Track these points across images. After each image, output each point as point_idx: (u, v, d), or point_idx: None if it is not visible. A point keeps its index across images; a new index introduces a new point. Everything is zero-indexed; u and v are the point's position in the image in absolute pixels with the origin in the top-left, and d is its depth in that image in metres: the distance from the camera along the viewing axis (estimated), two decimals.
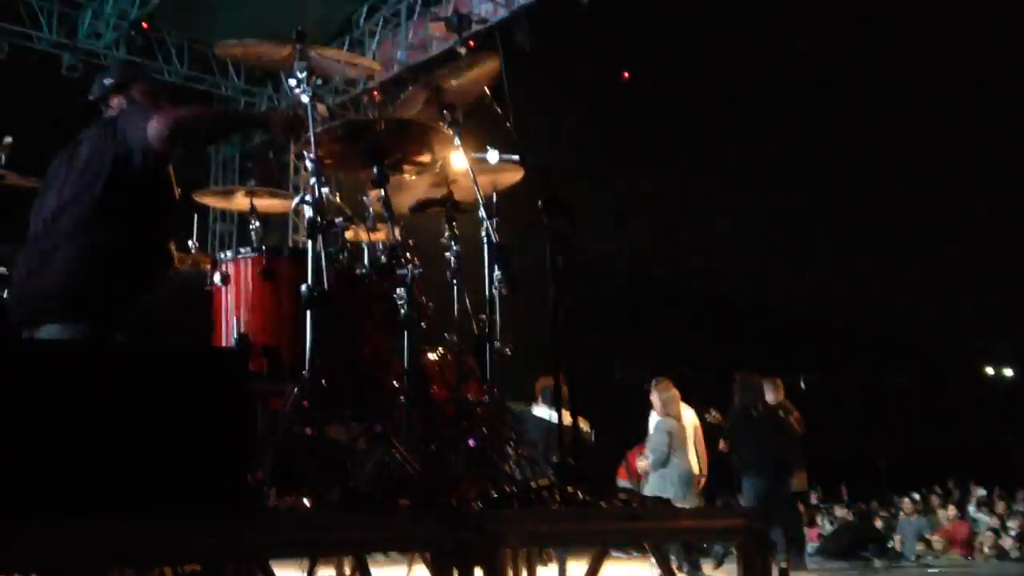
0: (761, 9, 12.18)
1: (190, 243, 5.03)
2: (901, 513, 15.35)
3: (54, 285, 3.38)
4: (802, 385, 9.04)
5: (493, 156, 4.34)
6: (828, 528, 15.00)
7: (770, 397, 9.08)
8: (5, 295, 3.92)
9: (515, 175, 4.45)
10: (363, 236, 4.23)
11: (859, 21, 12.09)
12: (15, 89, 10.22)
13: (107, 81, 3.82)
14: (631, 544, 7.54)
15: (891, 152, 13.97)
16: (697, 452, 8.34)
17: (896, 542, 13.65)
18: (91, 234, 3.43)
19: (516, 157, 4.35)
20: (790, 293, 16.28)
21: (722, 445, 9.67)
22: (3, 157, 4.04)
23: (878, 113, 13.19)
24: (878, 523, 14.48)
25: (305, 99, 3.68)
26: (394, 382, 3.70)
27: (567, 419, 3.89)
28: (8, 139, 4.07)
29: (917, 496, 16.17)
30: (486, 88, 4.12)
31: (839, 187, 14.49)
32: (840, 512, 16.35)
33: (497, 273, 4.05)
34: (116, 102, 3.77)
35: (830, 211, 15.06)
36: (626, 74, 12.44)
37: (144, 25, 11.03)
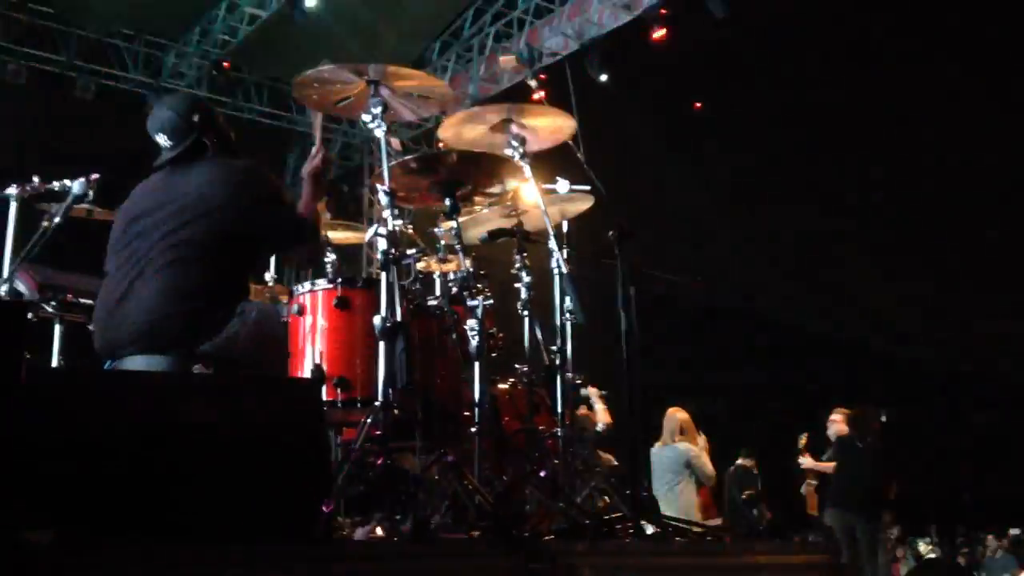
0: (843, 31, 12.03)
1: (268, 275, 5.14)
2: (987, 551, 14.82)
3: (137, 317, 3.46)
4: (883, 418, 8.82)
5: (563, 186, 4.36)
6: (911, 564, 14.55)
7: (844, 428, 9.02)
8: (90, 327, 4.04)
9: (584, 204, 4.47)
10: (435, 267, 4.27)
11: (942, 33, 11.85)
12: (102, 127, 10.59)
13: (195, 118, 3.72)
14: None
15: (980, 178, 13.64)
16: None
17: None
18: (176, 268, 3.49)
19: (587, 188, 4.36)
20: (873, 326, 15.94)
21: (804, 488, 9.53)
22: (90, 193, 4.18)
23: (956, 138, 12.90)
24: (962, 560, 14.00)
25: (379, 133, 3.75)
26: (466, 412, 3.71)
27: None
28: (95, 175, 4.20)
29: (1017, 531, 15.58)
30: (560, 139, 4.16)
31: (923, 219, 14.18)
32: (923, 548, 15.85)
33: (568, 303, 4.05)
34: (209, 140, 3.71)
35: (914, 244, 14.73)
36: (697, 104, 12.39)
37: (225, 64, 11.35)
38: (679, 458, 8.02)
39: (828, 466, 9.01)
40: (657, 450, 8.19)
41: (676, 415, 8.25)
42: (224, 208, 3.51)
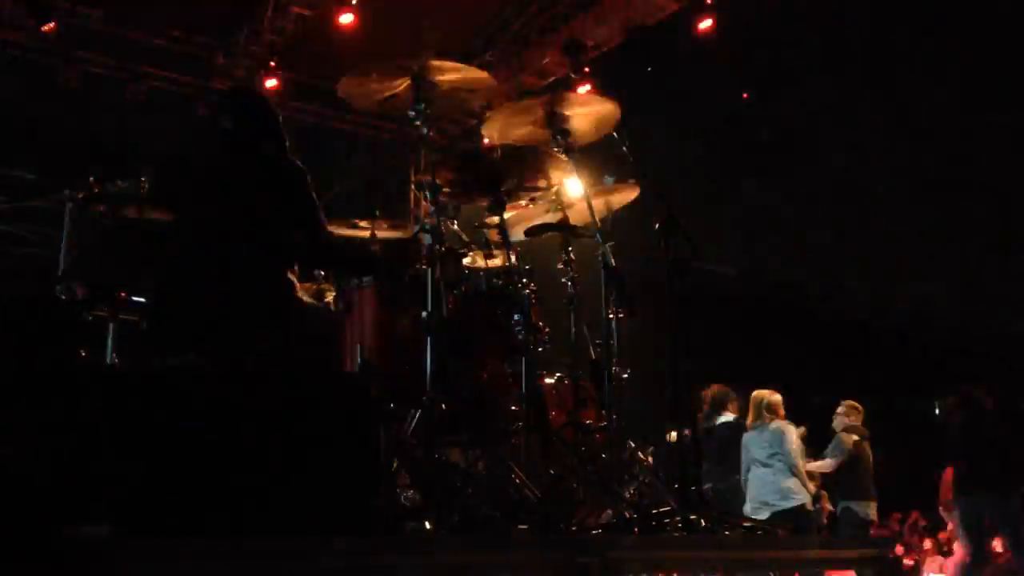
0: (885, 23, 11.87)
1: (317, 272, 5.17)
2: None
3: (194, 313, 3.51)
4: (936, 411, 8.67)
5: (608, 180, 4.35)
6: None
7: (847, 421, 8.84)
8: (144, 325, 4.11)
9: (629, 195, 4.44)
10: (480, 262, 4.28)
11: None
12: (154, 128, 10.76)
13: (253, 114, 3.81)
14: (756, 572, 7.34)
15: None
16: None
17: None
18: (233, 266, 3.54)
19: (632, 180, 4.34)
20: (922, 315, 15.68)
21: None
22: (142, 193, 4.25)
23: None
24: None
25: (424, 130, 3.77)
26: (512, 406, 3.72)
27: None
28: (147, 176, 4.28)
29: None
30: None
31: (974, 204, 13.91)
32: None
33: (613, 297, 4.04)
34: (253, 134, 3.79)
35: (967, 229, 14.45)
36: (745, 95, 12.27)
37: (272, 65, 11.46)
38: (772, 438, 7.88)
39: (823, 465, 8.75)
40: (751, 434, 8.05)
41: (768, 397, 8.06)
42: (254, 200, 3.56)
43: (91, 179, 4.48)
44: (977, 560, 7.75)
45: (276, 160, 3.71)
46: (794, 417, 8.27)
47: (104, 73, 10.99)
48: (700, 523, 3.36)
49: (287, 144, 3.85)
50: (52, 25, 10.30)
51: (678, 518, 3.35)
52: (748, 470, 7.93)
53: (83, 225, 4.37)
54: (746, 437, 8.01)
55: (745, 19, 10.52)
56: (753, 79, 12.05)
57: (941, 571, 11.22)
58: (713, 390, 8.18)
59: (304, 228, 3.57)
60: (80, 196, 4.53)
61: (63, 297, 4.04)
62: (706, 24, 10.56)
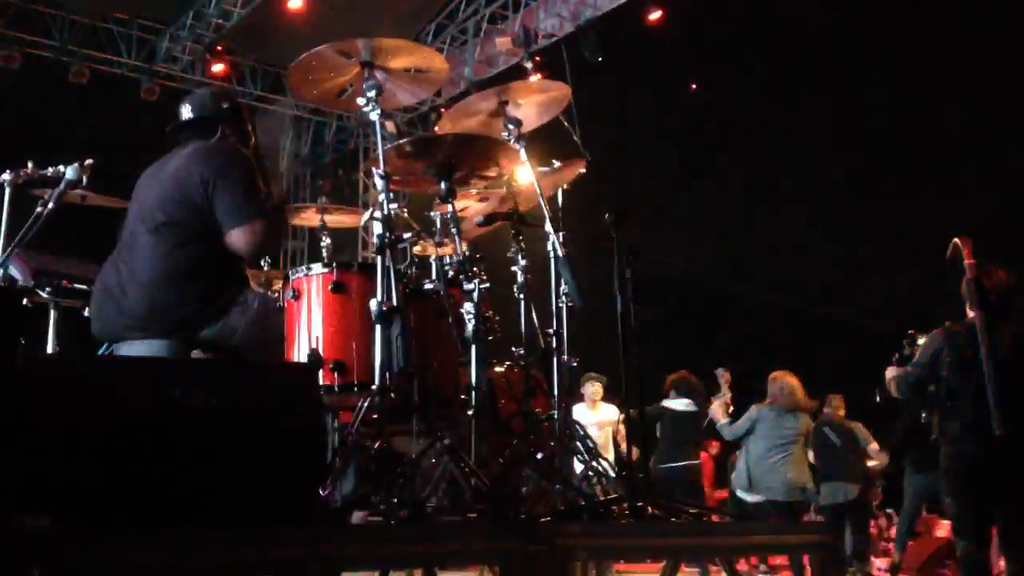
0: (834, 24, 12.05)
1: (262, 260, 5.13)
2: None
3: (137, 303, 3.45)
4: (877, 399, 8.82)
5: (556, 164, 4.36)
6: None
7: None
8: (86, 312, 4.04)
9: (575, 170, 4.43)
10: (431, 251, 4.27)
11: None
12: (96, 112, 10.56)
13: (224, 104, 3.79)
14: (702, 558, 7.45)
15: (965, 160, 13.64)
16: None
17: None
18: (174, 255, 3.47)
19: (577, 158, 4.35)
20: (870, 306, 15.97)
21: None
22: (84, 178, 4.16)
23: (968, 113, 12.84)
24: None
25: (374, 117, 3.73)
26: (462, 396, 3.72)
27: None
28: (90, 161, 4.19)
29: None
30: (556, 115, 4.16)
31: (918, 201, 14.19)
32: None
33: (564, 286, 4.05)
34: (224, 130, 3.75)
35: (914, 223, 14.75)
36: (693, 85, 12.37)
37: (219, 48, 11.30)
38: (800, 428, 8.10)
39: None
40: (775, 418, 8.15)
41: (790, 380, 8.19)
42: (192, 185, 3.50)
43: (31, 163, 4.38)
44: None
45: (206, 143, 3.66)
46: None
47: (46, 55, 10.76)
48: (647, 510, 3.39)
49: (249, 140, 3.80)
50: None
51: (626, 505, 3.38)
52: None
53: (23, 210, 4.27)
54: (764, 417, 8.17)
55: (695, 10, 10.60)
56: (700, 71, 12.15)
57: (886, 554, 11.44)
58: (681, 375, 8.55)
59: (223, 190, 3.51)
60: (20, 181, 4.43)
61: (2, 284, 3.95)
62: (656, 15, 10.65)
